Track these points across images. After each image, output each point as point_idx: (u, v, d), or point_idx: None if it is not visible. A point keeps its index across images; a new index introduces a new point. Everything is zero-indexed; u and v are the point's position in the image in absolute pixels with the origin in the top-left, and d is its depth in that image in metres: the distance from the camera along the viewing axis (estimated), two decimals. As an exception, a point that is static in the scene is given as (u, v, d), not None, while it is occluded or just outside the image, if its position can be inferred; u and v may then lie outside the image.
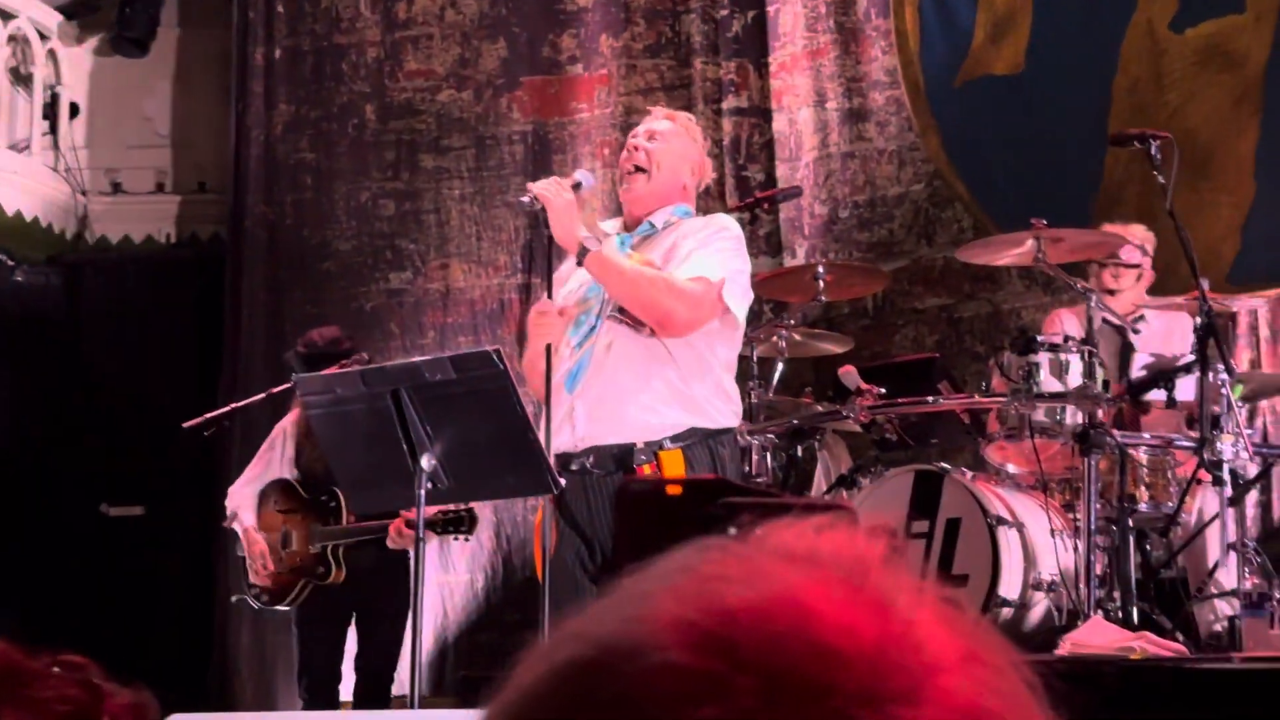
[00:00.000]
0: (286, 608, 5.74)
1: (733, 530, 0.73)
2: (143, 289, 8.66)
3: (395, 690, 5.83)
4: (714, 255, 4.20)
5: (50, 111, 8.85)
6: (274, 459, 5.76)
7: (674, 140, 4.38)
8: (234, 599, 6.10)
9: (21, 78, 8.77)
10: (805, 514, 0.72)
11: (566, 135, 7.97)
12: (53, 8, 8.90)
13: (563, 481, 3.97)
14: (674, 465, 4.10)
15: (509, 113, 8.09)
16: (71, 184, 8.84)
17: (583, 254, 4.11)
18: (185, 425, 5.83)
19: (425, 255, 8.06)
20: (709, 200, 7.85)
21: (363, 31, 8.29)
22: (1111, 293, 5.77)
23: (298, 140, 8.32)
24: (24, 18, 8.66)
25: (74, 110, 8.97)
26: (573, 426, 4.15)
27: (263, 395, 5.86)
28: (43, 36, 8.81)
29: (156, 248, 9.00)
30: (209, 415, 5.90)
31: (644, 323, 4.16)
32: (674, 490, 3.45)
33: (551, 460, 4.00)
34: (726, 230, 4.33)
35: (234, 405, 6.10)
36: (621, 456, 4.13)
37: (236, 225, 8.33)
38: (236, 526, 5.78)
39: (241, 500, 5.78)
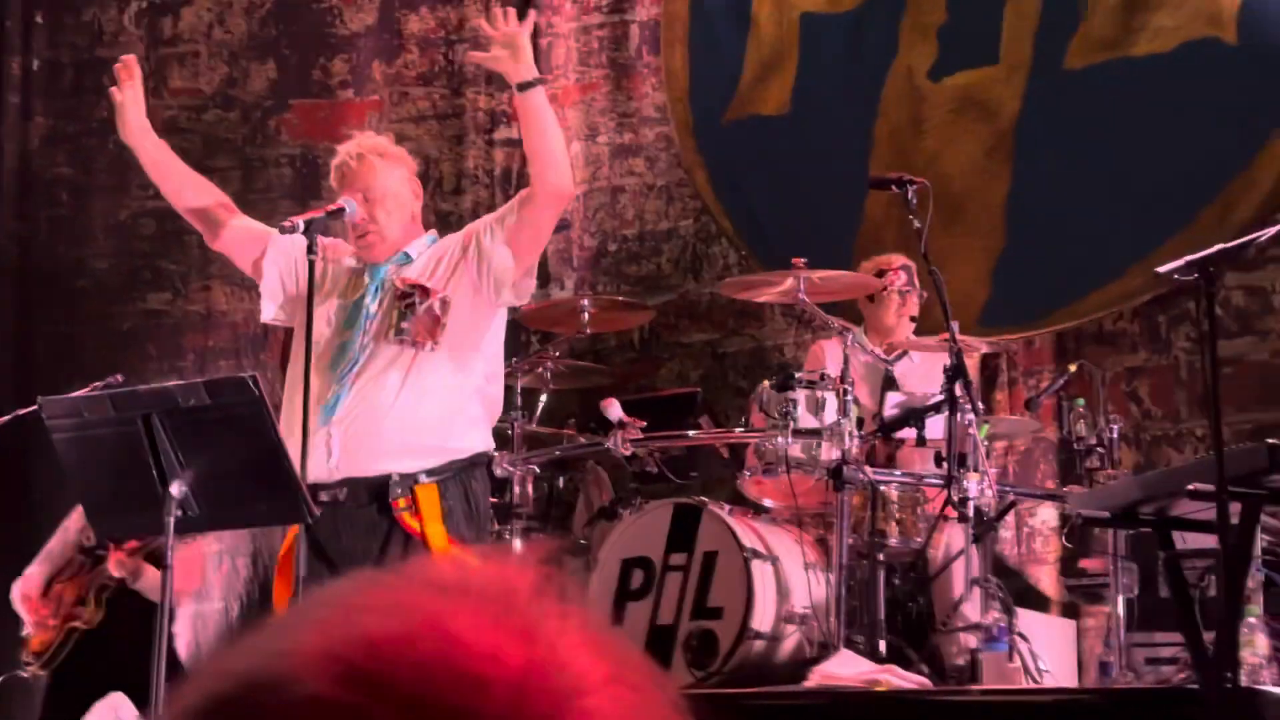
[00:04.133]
0: (42, 670, 5.71)
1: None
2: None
3: None
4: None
5: None
6: (66, 530, 5.76)
7: (385, 190, 4.37)
8: (3, 678, 5.96)
9: None
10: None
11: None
12: None
13: (317, 511, 3.94)
14: (430, 501, 4.11)
15: (278, 135, 8.00)
16: None
17: (528, 86, 4.19)
18: (-75, 446, 5.63)
19: (186, 276, 7.91)
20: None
21: (126, 46, 8.09)
22: (914, 319, 5.96)
23: (54, 154, 8.11)
24: None
25: None
26: (328, 456, 4.13)
27: (7, 418, 5.67)
28: None
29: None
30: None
31: (416, 343, 4.17)
32: None
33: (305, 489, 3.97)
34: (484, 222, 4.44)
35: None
36: (376, 489, 4.12)
37: (-13, 240, 8.07)
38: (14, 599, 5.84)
39: (25, 577, 5.82)
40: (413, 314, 4.21)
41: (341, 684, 0.65)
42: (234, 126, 8.02)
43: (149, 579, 5.84)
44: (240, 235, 4.54)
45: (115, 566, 5.57)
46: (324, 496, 4.10)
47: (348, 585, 0.70)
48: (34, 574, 5.89)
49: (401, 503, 4.11)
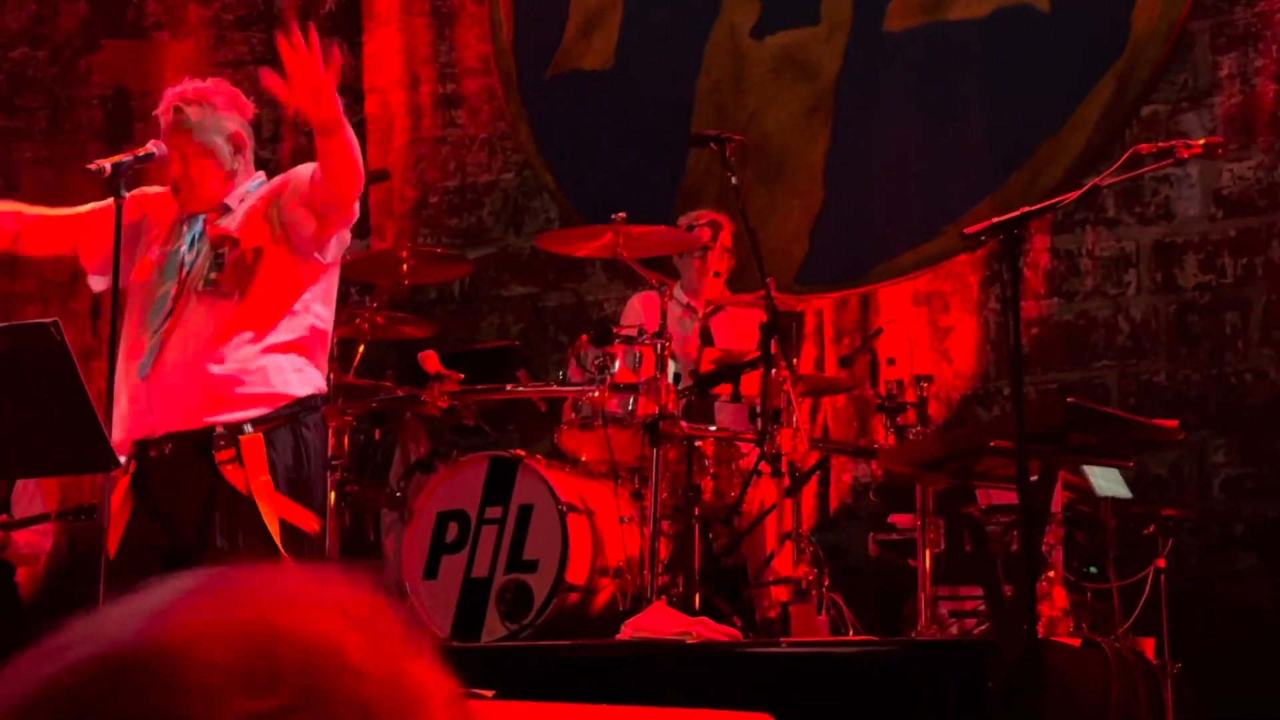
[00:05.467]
0: None
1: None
2: None
3: None
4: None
5: None
6: None
7: (201, 144, 4.18)
8: None
9: None
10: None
11: (149, 104, 7.70)
12: None
13: (122, 459, 3.87)
14: (255, 453, 3.99)
15: (88, 75, 7.80)
16: None
17: (330, 129, 3.83)
18: None
19: (-9, 219, 7.69)
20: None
21: (-72, -21, 7.87)
22: (717, 275, 6.00)
23: None
24: None
25: None
26: (150, 412, 4.03)
27: None
28: None
29: None
30: None
31: (228, 293, 4.08)
32: None
33: (129, 445, 3.90)
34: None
35: None
36: (201, 442, 4.04)
37: None
38: None
39: None
40: (222, 264, 4.13)
41: (243, 652, 0.67)
42: (42, 65, 7.81)
43: (18, 548, 5.80)
44: (45, 230, 4.36)
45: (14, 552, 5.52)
46: (151, 452, 4.02)
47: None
48: None
49: (225, 455, 4.00)
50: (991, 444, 3.91)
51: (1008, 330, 6.41)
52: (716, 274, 6.07)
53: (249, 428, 4.03)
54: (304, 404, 4.12)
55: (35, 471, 4.73)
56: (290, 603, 0.70)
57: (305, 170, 4.13)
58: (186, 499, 4.02)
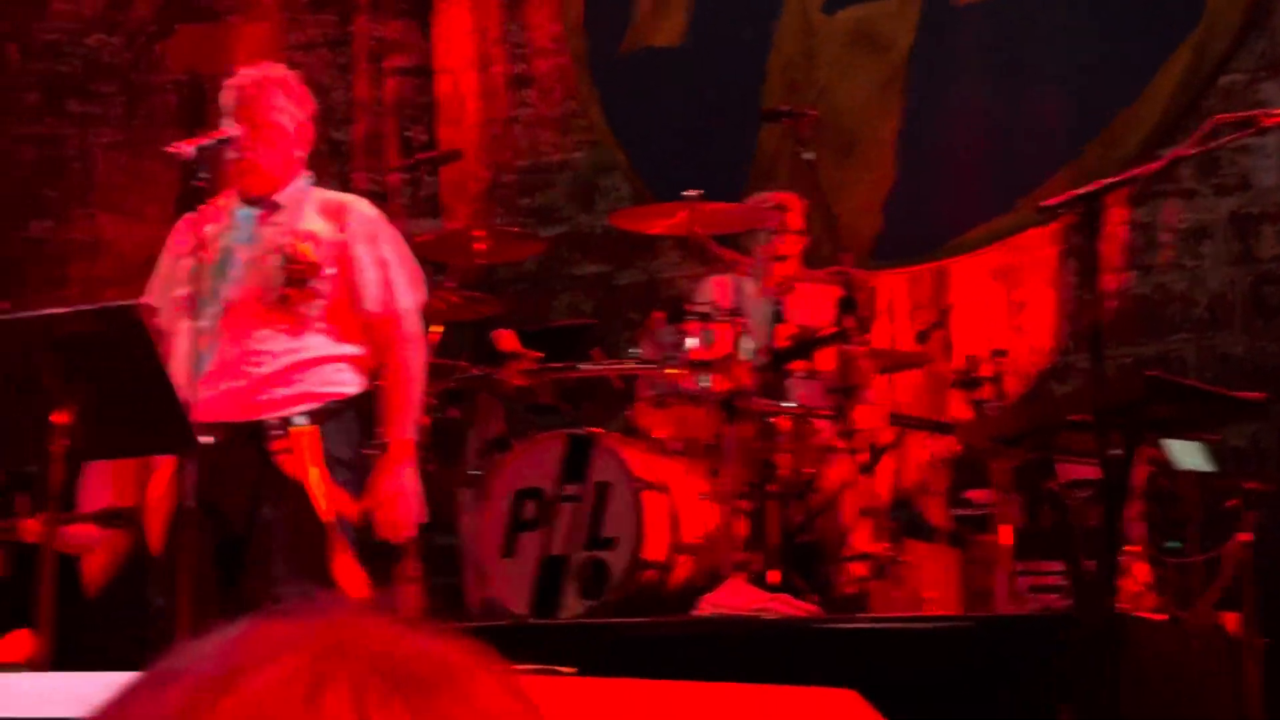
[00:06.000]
0: None
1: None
2: None
3: None
4: (394, 271, 4.23)
5: None
6: None
7: (275, 124, 4.25)
8: None
9: None
10: None
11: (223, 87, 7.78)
12: None
13: (201, 440, 3.91)
14: (309, 441, 4.07)
15: (162, 60, 7.87)
16: None
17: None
18: None
19: (69, 204, 7.79)
20: (370, 158, 7.81)
21: (5, -32, 7.95)
22: (783, 259, 5.98)
23: (-69, 78, 7.93)
24: None
25: None
26: (200, 405, 4.07)
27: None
28: None
29: None
30: None
31: (295, 311, 4.13)
32: None
33: None
34: (379, 224, 4.31)
35: None
36: (252, 433, 4.09)
37: None
38: None
39: None
40: (297, 283, 4.15)
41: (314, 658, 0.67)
42: (117, 51, 7.88)
43: (62, 539, 5.88)
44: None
45: (30, 535, 5.59)
46: (201, 439, 4.06)
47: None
48: None
49: (278, 446, 4.06)
50: (1071, 418, 3.88)
51: (1083, 304, 6.38)
52: (784, 257, 6.05)
53: (302, 419, 4.10)
54: (354, 400, 4.22)
55: (117, 452, 4.76)
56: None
57: (373, 285, 4.21)
58: (234, 488, 4.07)
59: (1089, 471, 4.77)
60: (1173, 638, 4.47)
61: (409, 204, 7.19)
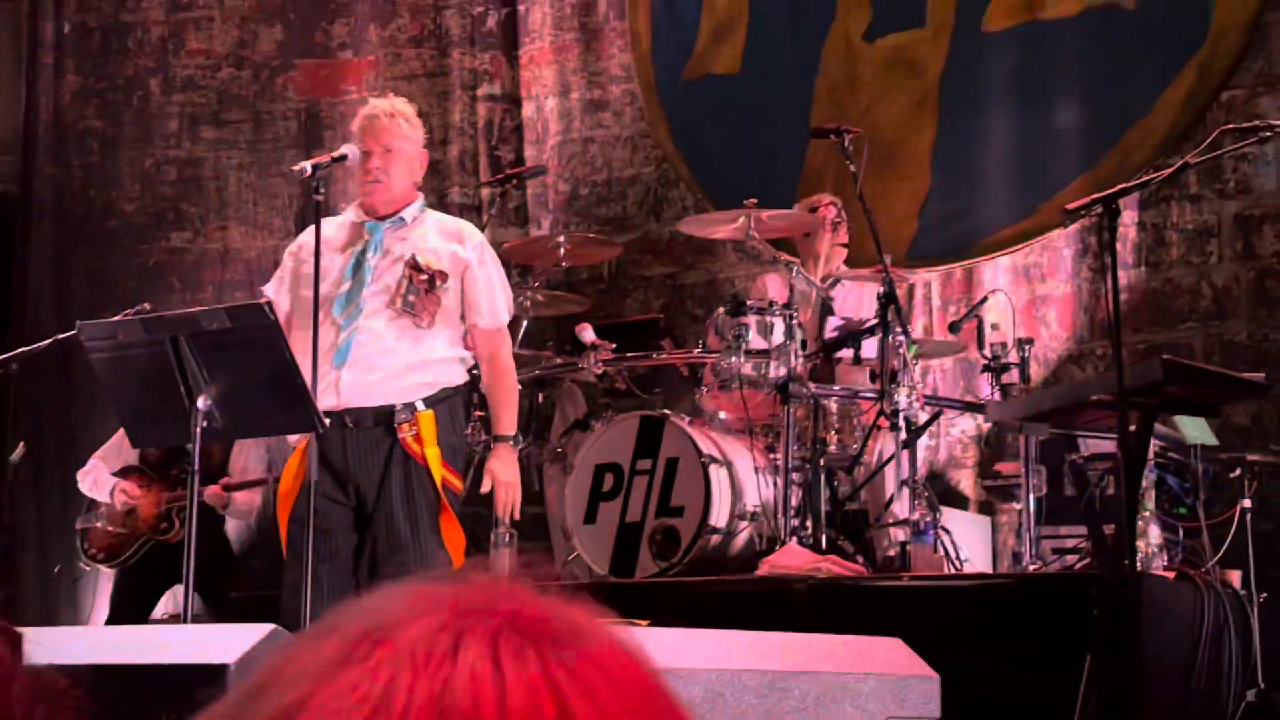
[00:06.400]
0: (112, 568, 5.78)
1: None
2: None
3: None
4: (499, 292, 4.39)
5: None
6: (123, 443, 5.77)
7: (403, 150, 4.35)
8: (57, 569, 5.98)
9: None
10: None
11: (336, 114, 7.83)
12: None
13: (327, 421, 3.95)
14: (428, 424, 4.19)
15: (284, 91, 7.91)
16: None
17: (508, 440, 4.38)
18: (-26, 368, 5.56)
19: (205, 218, 7.85)
20: (464, 175, 7.82)
21: (147, 11, 8.00)
22: (845, 245, 5.94)
23: (85, 109, 8.00)
24: None
25: None
26: (337, 393, 4.15)
27: (49, 341, 5.62)
28: None
29: (-51, 204, 8.54)
30: (-2, 358, 5.63)
31: (418, 316, 4.22)
32: None
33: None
34: (486, 247, 4.43)
35: (22, 350, 5.83)
36: (382, 416, 4.18)
37: (26, 185, 7.98)
38: (94, 490, 5.81)
39: (96, 468, 5.88)
40: (420, 293, 4.22)
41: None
42: (245, 84, 7.93)
43: (237, 505, 5.94)
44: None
45: (212, 498, 5.73)
46: (333, 423, 4.12)
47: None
48: (100, 469, 5.90)
49: (406, 427, 4.16)
50: (1094, 398, 3.83)
51: (1100, 296, 6.29)
52: (844, 245, 6.02)
53: (422, 405, 4.20)
54: (459, 391, 4.37)
55: (253, 432, 4.80)
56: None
57: (485, 302, 4.35)
58: (365, 461, 4.17)
59: (1107, 445, 4.72)
60: (1185, 592, 4.40)
61: (499, 215, 7.18)
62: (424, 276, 4.23)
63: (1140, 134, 6.31)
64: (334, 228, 4.36)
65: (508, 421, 4.37)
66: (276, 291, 4.35)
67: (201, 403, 3.78)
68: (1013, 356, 5.43)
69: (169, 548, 5.83)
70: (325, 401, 4.07)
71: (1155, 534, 4.67)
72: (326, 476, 4.11)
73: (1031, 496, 5.04)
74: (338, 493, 4.16)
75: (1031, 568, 4.92)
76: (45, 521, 7.29)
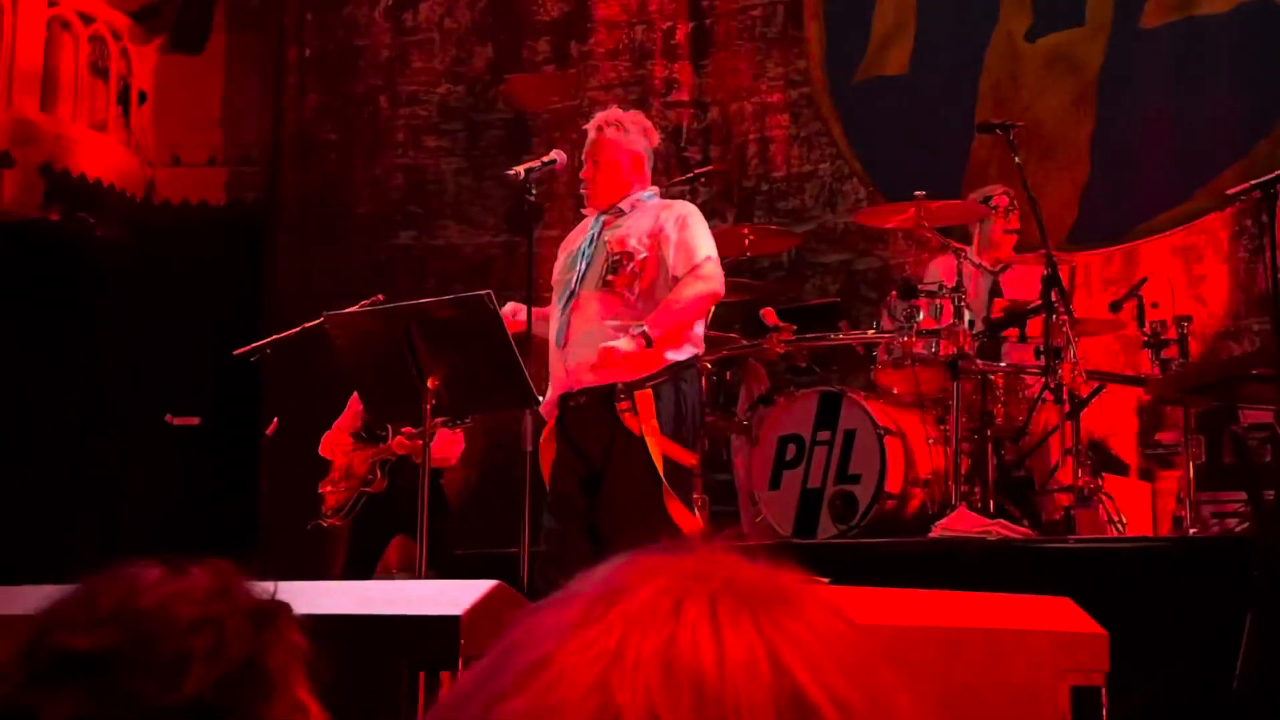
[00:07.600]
0: (342, 522, 5.95)
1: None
2: (198, 242, 8.56)
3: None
4: (696, 244, 4.16)
5: (123, 98, 8.70)
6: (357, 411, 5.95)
7: (610, 159, 4.29)
8: (310, 526, 6.17)
9: (100, 70, 8.61)
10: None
11: (542, 123, 7.92)
12: (124, 13, 8.73)
13: (540, 398, 3.99)
14: (646, 405, 4.08)
15: (495, 103, 8.03)
16: (141, 157, 8.71)
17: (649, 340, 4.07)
18: (235, 352, 5.78)
19: (428, 218, 8.02)
20: (655, 174, 7.83)
21: (377, 36, 8.20)
22: (1016, 232, 5.78)
23: (324, 123, 8.24)
24: (101, 21, 8.50)
25: (142, 97, 8.82)
26: (565, 373, 4.16)
27: (297, 329, 5.80)
28: (116, 37, 8.65)
29: (209, 210, 8.88)
30: (254, 345, 5.84)
31: (619, 291, 4.15)
32: None
33: (555, 398, 4.11)
34: (688, 216, 4.27)
35: (274, 337, 6.03)
36: (604, 395, 4.14)
37: (274, 192, 8.25)
38: (326, 454, 6.03)
39: (331, 435, 6.08)
40: (617, 271, 4.19)
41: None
42: (462, 97, 8.07)
43: (433, 455, 6.07)
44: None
45: (398, 446, 5.82)
46: (570, 403, 4.16)
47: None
48: (337, 435, 6.09)
49: (625, 405, 4.09)
50: (1254, 371, 3.66)
51: (1256, 275, 6.03)
52: (1015, 231, 5.87)
53: (640, 385, 4.12)
54: (682, 365, 4.19)
55: (474, 409, 4.88)
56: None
57: (676, 251, 4.16)
58: (595, 437, 4.13)
59: (1264, 416, 4.51)
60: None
61: (688, 209, 7.19)
62: (615, 254, 4.19)
63: (1294, 122, 6.03)
64: (578, 226, 4.43)
65: (650, 321, 4.07)
66: (553, 282, 4.41)
67: (431, 383, 3.86)
68: (1172, 333, 5.24)
69: (385, 501, 5.91)
70: (558, 385, 4.13)
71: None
72: (566, 448, 4.14)
73: (1191, 464, 4.85)
74: (576, 463, 4.18)
75: (1192, 530, 4.75)
76: (295, 487, 7.55)
